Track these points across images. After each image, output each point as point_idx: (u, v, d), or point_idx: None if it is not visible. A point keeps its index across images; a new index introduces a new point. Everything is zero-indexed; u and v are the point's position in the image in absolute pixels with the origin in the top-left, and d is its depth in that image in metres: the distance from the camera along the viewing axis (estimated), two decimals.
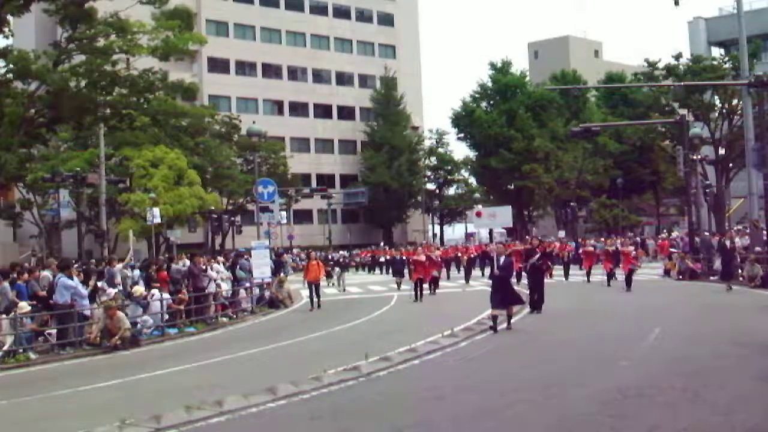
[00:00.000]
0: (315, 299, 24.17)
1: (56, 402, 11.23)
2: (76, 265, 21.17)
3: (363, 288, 33.31)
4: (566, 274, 32.13)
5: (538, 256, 19.44)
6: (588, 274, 29.18)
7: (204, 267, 22.42)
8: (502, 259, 16.12)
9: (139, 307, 19.19)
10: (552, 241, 43.53)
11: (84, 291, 17.91)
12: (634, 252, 27.74)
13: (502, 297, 15.63)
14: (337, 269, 35.90)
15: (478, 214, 17.01)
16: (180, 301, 20.47)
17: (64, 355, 16.33)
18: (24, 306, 16.20)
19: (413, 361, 12.54)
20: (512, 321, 16.33)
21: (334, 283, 33.76)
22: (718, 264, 26.85)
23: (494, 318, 15.43)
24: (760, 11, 56.62)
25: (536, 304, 18.92)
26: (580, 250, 33.45)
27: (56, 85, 27.10)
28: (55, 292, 17.08)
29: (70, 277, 17.36)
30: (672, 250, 33.87)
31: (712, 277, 27.89)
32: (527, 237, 32.80)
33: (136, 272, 21.39)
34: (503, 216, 17.01)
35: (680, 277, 28.69)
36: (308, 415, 9.19)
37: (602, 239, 37.74)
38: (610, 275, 26.67)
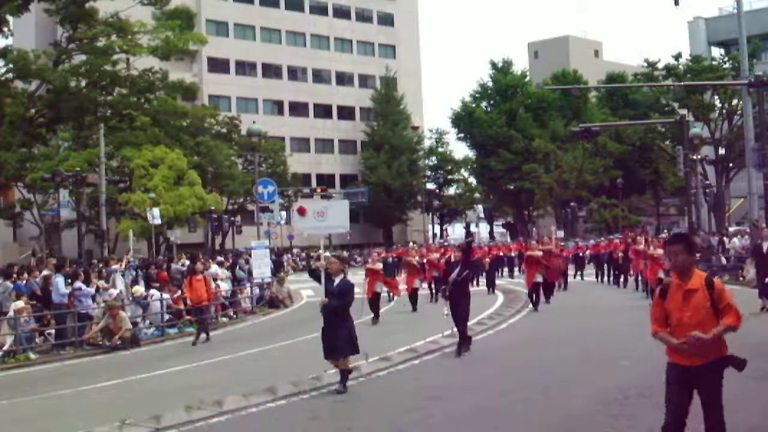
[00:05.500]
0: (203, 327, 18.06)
1: (56, 402, 11.23)
2: (75, 266, 21.22)
3: (362, 288, 33.14)
4: (565, 283, 26.81)
5: (459, 269, 13.17)
6: (637, 279, 23.47)
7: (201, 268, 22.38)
8: (336, 280, 10.47)
9: (139, 307, 19.22)
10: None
11: (89, 290, 17.98)
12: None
13: (331, 342, 10.34)
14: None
15: (301, 211, 10.31)
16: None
17: (64, 355, 16.34)
18: (20, 304, 16.20)
19: (413, 361, 12.54)
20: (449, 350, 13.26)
21: None
22: (752, 274, 20.83)
23: (343, 374, 10.43)
24: (760, 11, 56.59)
25: (463, 341, 13.00)
26: (629, 251, 25.20)
27: (57, 83, 27.10)
28: (51, 291, 17.13)
29: (66, 277, 17.41)
30: None
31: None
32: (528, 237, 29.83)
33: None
34: (336, 214, 10.31)
35: None
36: (308, 415, 9.20)
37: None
38: (647, 284, 20.38)
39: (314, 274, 11.97)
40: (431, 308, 21.01)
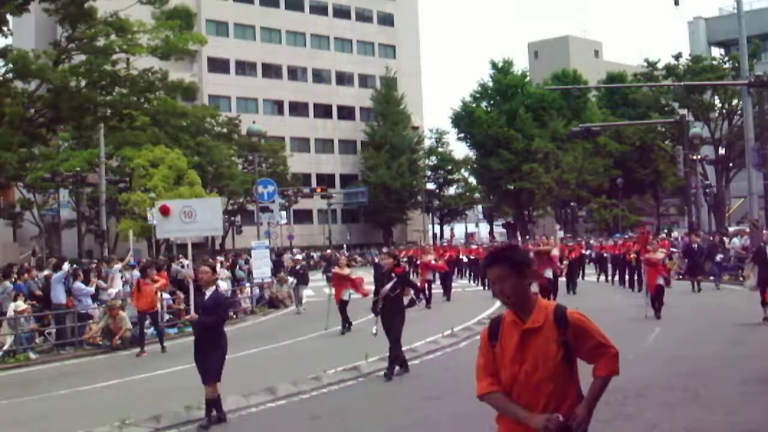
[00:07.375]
0: (147, 337, 16.52)
1: (56, 402, 11.23)
2: (74, 266, 21.22)
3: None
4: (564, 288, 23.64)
5: (393, 282, 11.62)
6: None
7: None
8: (207, 293, 9.02)
9: None
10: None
11: (89, 289, 17.98)
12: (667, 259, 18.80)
13: (206, 363, 8.88)
14: (291, 280, 25.76)
15: (164, 211, 11.01)
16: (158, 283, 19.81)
17: (64, 355, 16.34)
18: (20, 304, 16.20)
19: (413, 361, 12.53)
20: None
21: (296, 304, 24.19)
22: (753, 281, 17.73)
23: (209, 405, 8.92)
24: (760, 11, 56.65)
25: (395, 362, 11.50)
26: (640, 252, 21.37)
27: (57, 82, 27.11)
28: (51, 291, 17.13)
29: (67, 277, 17.44)
30: (672, 249, 33.78)
31: (711, 276, 27.77)
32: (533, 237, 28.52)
33: (136, 273, 21.37)
34: (206, 214, 11.08)
35: (680, 276, 28.61)
36: (308, 415, 9.20)
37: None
38: (657, 297, 17.16)
39: (181, 285, 10.18)
40: (426, 313, 20.11)
